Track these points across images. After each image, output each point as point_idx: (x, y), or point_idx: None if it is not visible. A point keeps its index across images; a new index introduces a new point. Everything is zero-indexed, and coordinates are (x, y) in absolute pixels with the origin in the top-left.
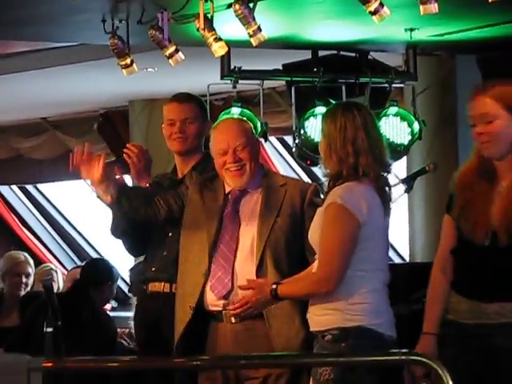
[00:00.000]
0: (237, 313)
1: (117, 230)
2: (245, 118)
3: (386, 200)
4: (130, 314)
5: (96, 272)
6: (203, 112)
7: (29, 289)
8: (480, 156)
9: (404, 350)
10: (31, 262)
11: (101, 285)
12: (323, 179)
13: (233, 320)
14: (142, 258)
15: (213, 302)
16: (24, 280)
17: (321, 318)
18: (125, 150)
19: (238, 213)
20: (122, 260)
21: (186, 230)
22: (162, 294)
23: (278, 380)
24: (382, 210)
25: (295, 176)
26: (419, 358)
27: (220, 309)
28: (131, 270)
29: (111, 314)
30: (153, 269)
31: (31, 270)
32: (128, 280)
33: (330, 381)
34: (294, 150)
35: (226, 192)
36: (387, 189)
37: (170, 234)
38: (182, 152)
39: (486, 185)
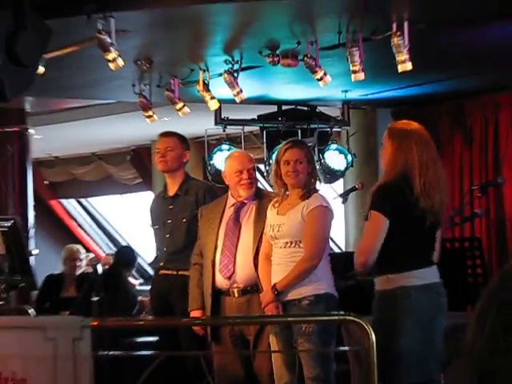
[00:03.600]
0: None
1: None
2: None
3: None
4: None
5: (129, 257)
6: (182, 144)
7: (82, 270)
8: None
9: (341, 312)
10: (82, 251)
11: (130, 267)
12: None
13: (236, 295)
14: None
15: (221, 281)
16: (78, 264)
17: (296, 289)
18: None
19: (239, 218)
20: (143, 248)
21: (201, 238)
22: (171, 276)
23: (262, 334)
24: None
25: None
26: (351, 318)
27: (228, 287)
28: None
29: (140, 287)
30: (161, 264)
31: (82, 256)
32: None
33: (313, 332)
34: (265, 174)
35: (230, 205)
36: None
37: (168, 236)
38: (164, 171)
39: None
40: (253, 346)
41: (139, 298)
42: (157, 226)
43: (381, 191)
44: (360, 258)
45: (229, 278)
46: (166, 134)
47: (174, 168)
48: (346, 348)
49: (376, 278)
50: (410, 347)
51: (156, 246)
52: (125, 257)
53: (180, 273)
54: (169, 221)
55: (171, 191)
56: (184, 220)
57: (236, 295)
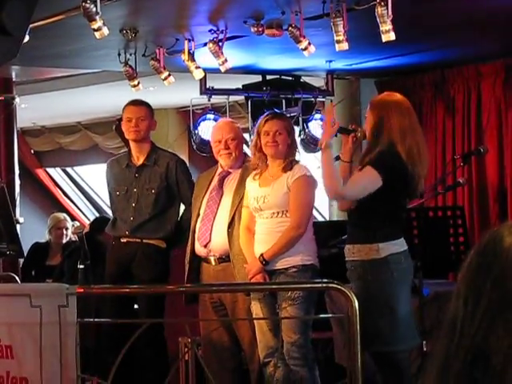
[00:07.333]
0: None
1: None
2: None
3: None
4: None
5: (98, 223)
6: (151, 113)
7: (68, 239)
8: None
9: (325, 280)
10: (68, 219)
11: (102, 231)
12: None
13: (212, 263)
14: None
15: (199, 249)
16: (64, 232)
17: (283, 259)
18: None
19: (222, 187)
20: None
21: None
22: (134, 243)
23: (237, 303)
24: None
25: None
26: (335, 286)
27: (205, 255)
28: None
29: None
30: (126, 232)
31: (69, 224)
32: None
33: (299, 298)
34: (249, 143)
35: (218, 173)
36: None
37: (134, 205)
38: (136, 140)
39: None
40: (230, 315)
41: None
42: (118, 193)
43: (383, 156)
44: (337, 195)
45: (205, 246)
46: (137, 103)
47: (145, 137)
48: (330, 315)
49: (357, 245)
50: (407, 313)
51: (115, 212)
52: (100, 225)
53: (144, 241)
54: (134, 189)
55: (137, 160)
56: (153, 191)
57: (213, 263)
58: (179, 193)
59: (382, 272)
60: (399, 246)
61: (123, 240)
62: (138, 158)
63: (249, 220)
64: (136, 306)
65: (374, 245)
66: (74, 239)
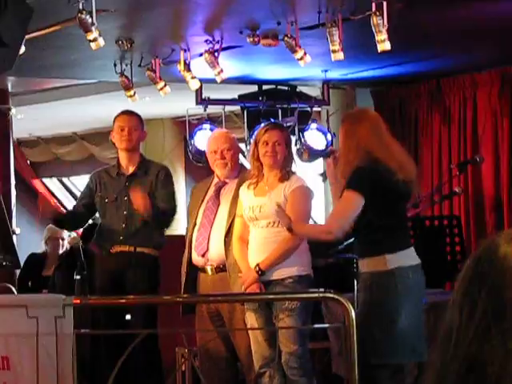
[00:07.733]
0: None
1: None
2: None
3: None
4: None
5: (91, 231)
6: (142, 124)
7: (64, 249)
8: None
9: (322, 289)
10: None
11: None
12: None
13: (209, 272)
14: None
15: (196, 258)
16: (61, 243)
17: (279, 270)
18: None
19: (219, 197)
20: None
21: (189, 214)
22: (127, 253)
23: (234, 313)
24: None
25: None
26: (332, 295)
27: (202, 264)
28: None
29: None
30: (121, 238)
31: (65, 235)
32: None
33: (296, 308)
34: (245, 153)
35: (214, 183)
36: None
37: (125, 213)
38: (128, 149)
39: None
40: (227, 325)
41: None
42: (106, 200)
43: (357, 173)
44: (329, 234)
45: (203, 256)
46: (130, 113)
47: (135, 147)
48: (327, 325)
49: (366, 259)
50: (409, 327)
51: (104, 221)
52: (89, 231)
53: (138, 250)
54: (125, 198)
55: (127, 169)
56: None
57: (210, 273)
58: (154, 194)
59: (387, 284)
60: (408, 259)
61: (113, 250)
62: (128, 168)
63: (242, 230)
64: (128, 317)
65: (381, 256)
66: (68, 250)
